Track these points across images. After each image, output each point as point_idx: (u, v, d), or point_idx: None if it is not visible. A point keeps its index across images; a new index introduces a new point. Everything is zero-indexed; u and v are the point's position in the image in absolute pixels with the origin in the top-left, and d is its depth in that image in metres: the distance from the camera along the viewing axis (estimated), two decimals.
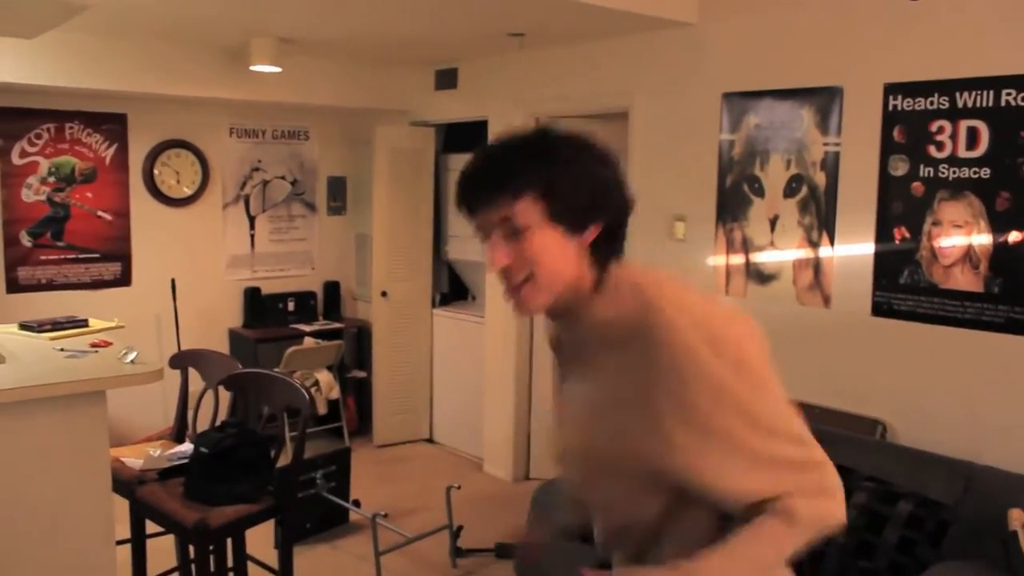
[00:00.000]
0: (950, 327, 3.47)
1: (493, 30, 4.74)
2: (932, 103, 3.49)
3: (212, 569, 3.19)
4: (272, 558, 3.53)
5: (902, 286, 3.61)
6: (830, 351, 3.86)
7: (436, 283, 6.41)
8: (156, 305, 5.90)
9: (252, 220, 6.42)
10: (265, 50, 5.02)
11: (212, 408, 3.65)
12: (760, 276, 4.14)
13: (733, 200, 4.24)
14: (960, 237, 3.43)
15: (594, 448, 1.48)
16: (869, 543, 2.91)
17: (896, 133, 3.60)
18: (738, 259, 4.23)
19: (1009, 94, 3.26)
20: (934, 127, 3.48)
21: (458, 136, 6.25)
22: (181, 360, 3.85)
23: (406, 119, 6.27)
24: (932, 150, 3.49)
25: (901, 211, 3.60)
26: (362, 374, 6.51)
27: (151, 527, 3.21)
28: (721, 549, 1.36)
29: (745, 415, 1.33)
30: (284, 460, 3.47)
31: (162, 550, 3.66)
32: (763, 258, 4.12)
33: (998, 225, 3.32)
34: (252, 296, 6.30)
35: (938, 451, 3.27)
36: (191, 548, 3.27)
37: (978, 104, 3.36)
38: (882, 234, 3.67)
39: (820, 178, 3.88)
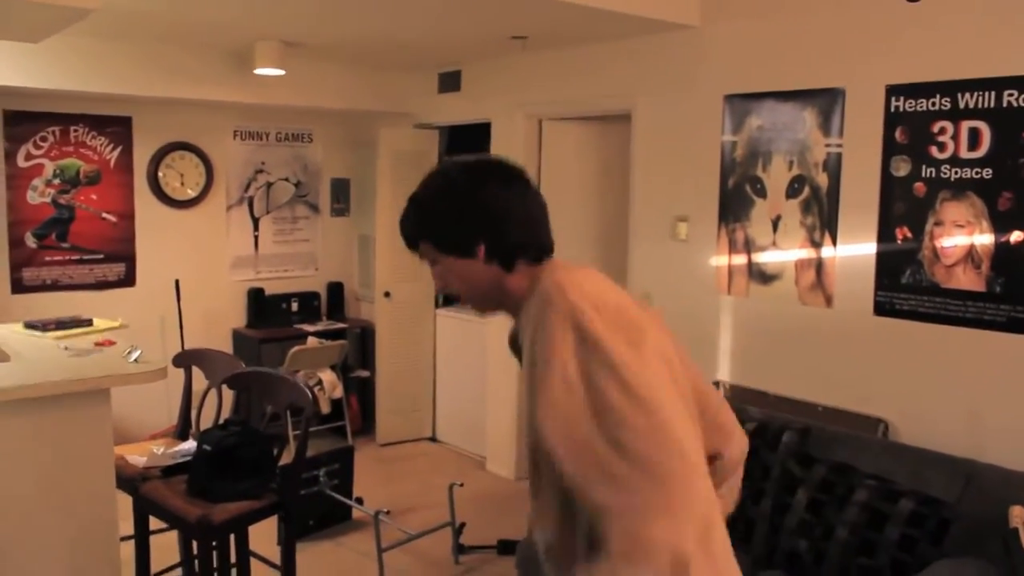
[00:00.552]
0: (952, 326, 3.48)
1: (496, 33, 4.76)
2: (934, 104, 3.50)
3: (215, 565, 3.21)
4: (275, 554, 3.55)
5: (904, 286, 3.62)
6: (832, 351, 3.87)
7: None
8: (160, 306, 5.92)
9: (256, 222, 6.45)
10: (269, 53, 5.05)
11: (215, 407, 3.67)
12: (762, 276, 4.15)
13: (735, 201, 4.25)
14: (962, 237, 3.43)
15: (526, 440, 1.53)
16: (870, 540, 2.92)
17: (898, 134, 3.61)
18: (740, 259, 4.24)
19: (1011, 95, 3.27)
20: (936, 128, 3.49)
21: (461, 138, 6.27)
22: (185, 359, 3.86)
23: (409, 121, 6.29)
24: (934, 151, 3.50)
25: (903, 211, 3.61)
26: (365, 374, 6.53)
27: (154, 523, 3.23)
28: None
29: (619, 380, 1.37)
30: (287, 458, 3.48)
31: (165, 546, 3.68)
32: (765, 258, 4.13)
33: (1000, 225, 3.33)
34: (256, 297, 6.33)
35: (940, 449, 3.28)
36: (194, 544, 3.29)
37: (980, 105, 3.36)
38: (884, 234, 3.68)
39: (822, 179, 3.89)
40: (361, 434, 6.34)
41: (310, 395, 3.24)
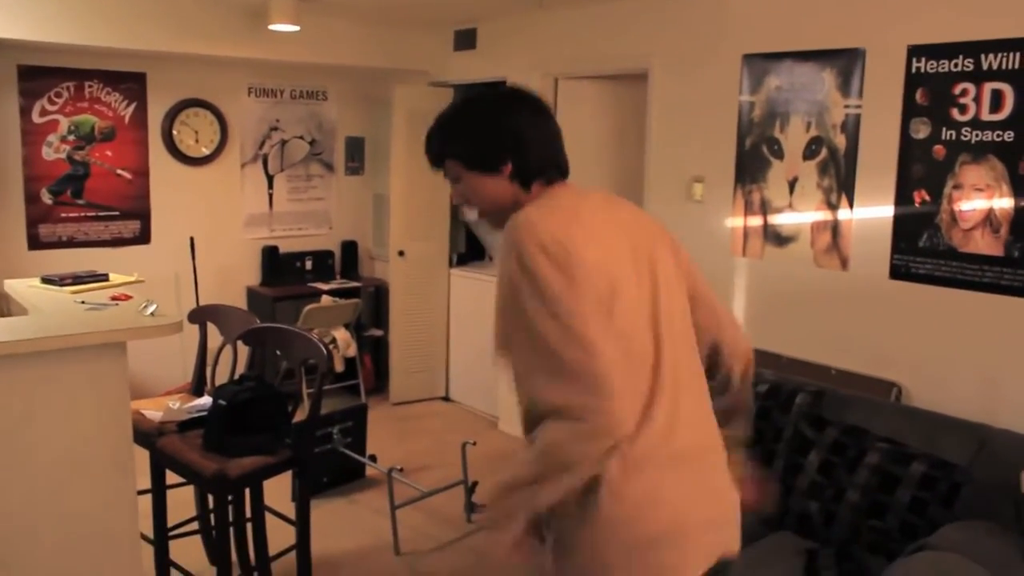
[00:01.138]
0: (968, 291, 3.46)
1: None
2: (956, 65, 3.45)
3: (230, 519, 3.25)
4: (289, 510, 3.59)
5: (921, 249, 3.59)
6: (847, 314, 3.85)
7: (453, 243, 6.42)
8: (175, 263, 5.94)
9: (270, 179, 6.44)
10: (284, 9, 5.01)
11: (230, 363, 3.69)
12: (778, 238, 4.13)
13: (752, 162, 4.21)
14: (981, 200, 3.40)
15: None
16: (881, 503, 2.93)
17: (919, 95, 3.56)
18: (756, 221, 4.21)
19: None
20: (957, 89, 3.44)
21: None
22: (200, 315, 3.88)
23: (425, 80, 6.25)
24: (955, 113, 3.45)
25: (922, 174, 3.57)
26: (379, 333, 6.56)
27: (171, 478, 3.27)
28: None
29: (549, 310, 1.56)
30: (301, 415, 3.51)
31: (182, 500, 3.73)
32: (781, 220, 4.11)
33: (1020, 189, 3.29)
34: (270, 255, 6.34)
35: (953, 414, 3.27)
36: (210, 498, 3.33)
37: (1003, 66, 3.31)
38: (902, 197, 3.65)
39: (840, 140, 3.85)
40: (374, 393, 6.38)
41: (325, 351, 3.25)
